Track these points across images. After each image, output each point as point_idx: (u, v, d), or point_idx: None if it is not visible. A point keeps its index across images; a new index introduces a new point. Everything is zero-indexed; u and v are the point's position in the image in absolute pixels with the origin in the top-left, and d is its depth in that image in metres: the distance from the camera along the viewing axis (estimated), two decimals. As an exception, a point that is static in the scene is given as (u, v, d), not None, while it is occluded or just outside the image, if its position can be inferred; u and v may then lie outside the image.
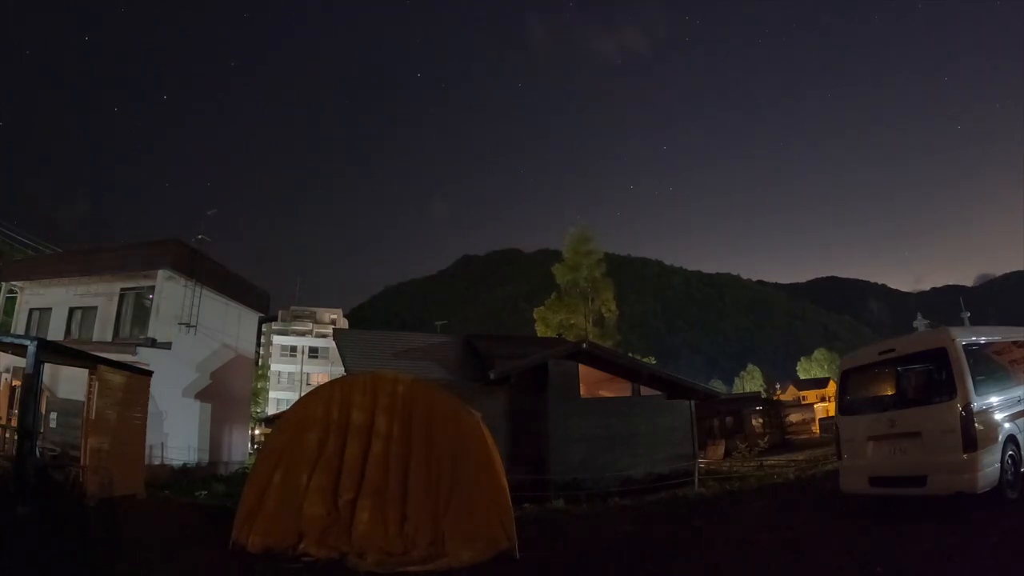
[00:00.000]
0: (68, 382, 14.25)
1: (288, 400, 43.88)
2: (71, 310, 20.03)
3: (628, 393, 17.14)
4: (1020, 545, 5.15)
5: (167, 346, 18.11)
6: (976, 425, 6.26)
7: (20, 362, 10.84)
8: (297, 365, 58.75)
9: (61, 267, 20.76)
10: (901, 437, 6.87)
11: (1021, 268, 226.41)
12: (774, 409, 35.10)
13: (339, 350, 18.18)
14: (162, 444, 17.20)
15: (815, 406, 50.39)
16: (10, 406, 14.01)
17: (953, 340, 6.70)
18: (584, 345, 17.59)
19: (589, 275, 37.58)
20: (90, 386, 10.52)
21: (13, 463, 8.85)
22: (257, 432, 38.41)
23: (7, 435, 12.53)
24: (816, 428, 40.99)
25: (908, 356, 7.27)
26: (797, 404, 51.44)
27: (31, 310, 20.56)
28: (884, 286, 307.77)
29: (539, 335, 34.47)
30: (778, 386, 70.93)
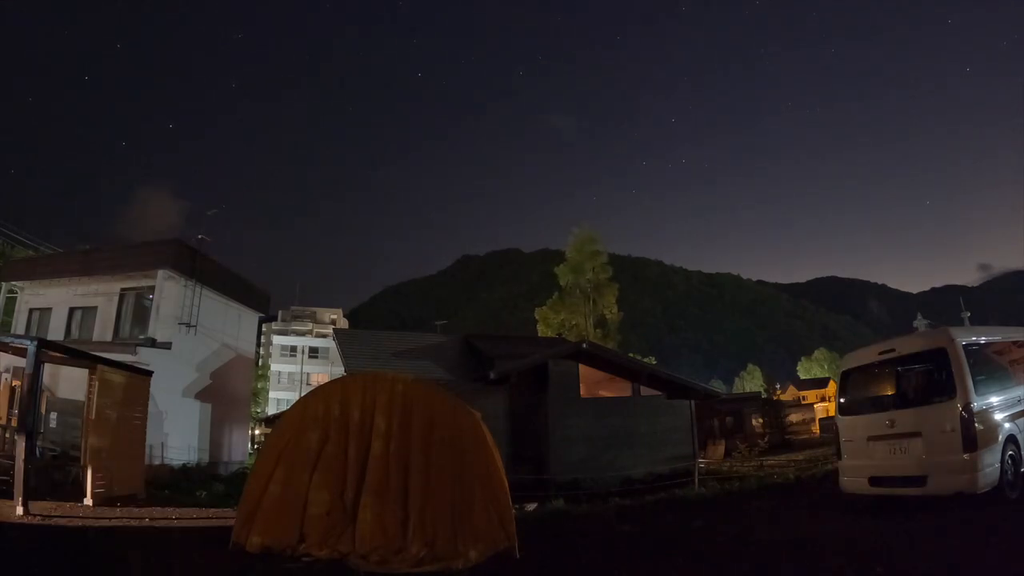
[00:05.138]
0: (68, 382, 14.24)
1: (288, 400, 43.87)
2: (71, 310, 20.01)
3: (628, 393, 17.12)
4: (1020, 545, 5.15)
5: (167, 346, 18.10)
6: (976, 425, 6.25)
7: (20, 362, 10.83)
8: (297, 365, 58.74)
9: (61, 267, 20.76)
10: (901, 437, 6.86)
11: (1021, 268, 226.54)
12: (774, 409, 35.08)
13: (339, 350, 18.19)
14: (162, 444, 17.19)
15: (815, 406, 50.37)
16: (10, 406, 13.99)
17: (953, 340, 6.69)
18: (584, 345, 17.59)
19: (593, 277, 37.53)
20: (90, 386, 10.53)
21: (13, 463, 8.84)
22: (257, 432, 38.38)
23: (7, 435, 12.52)
24: (816, 428, 40.99)
25: (908, 356, 7.27)
26: (797, 404, 51.41)
27: (31, 310, 20.55)
28: (884, 286, 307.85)
29: (540, 335, 34.46)
30: (778, 386, 70.82)
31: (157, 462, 16.48)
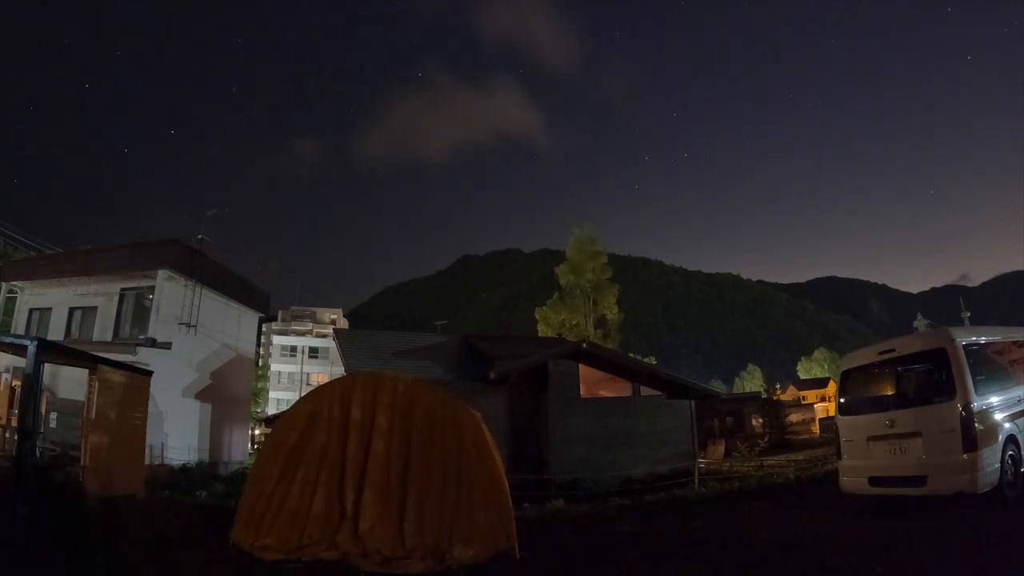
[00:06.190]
0: (68, 382, 14.24)
1: (288, 400, 43.86)
2: (71, 310, 20.03)
3: (628, 393, 17.11)
4: (1020, 545, 5.15)
5: (167, 346, 18.10)
6: (976, 425, 6.26)
7: (20, 362, 10.80)
8: (297, 365, 58.71)
9: (61, 267, 20.76)
10: (901, 437, 6.87)
11: (1021, 268, 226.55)
12: (774, 409, 35.09)
13: (339, 350, 18.20)
14: (162, 444, 17.20)
15: (815, 406, 50.40)
16: (10, 406, 13.97)
17: (953, 340, 6.70)
18: (584, 345, 17.58)
19: (594, 277, 37.45)
20: (90, 386, 10.49)
21: (13, 463, 8.83)
22: (257, 432, 38.38)
23: (7, 435, 12.51)
24: (816, 428, 41.00)
25: (908, 356, 7.28)
26: (797, 404, 51.43)
27: (31, 310, 20.56)
28: (884, 286, 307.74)
29: (540, 335, 34.47)
30: (778, 386, 70.78)
31: (157, 462, 16.47)
